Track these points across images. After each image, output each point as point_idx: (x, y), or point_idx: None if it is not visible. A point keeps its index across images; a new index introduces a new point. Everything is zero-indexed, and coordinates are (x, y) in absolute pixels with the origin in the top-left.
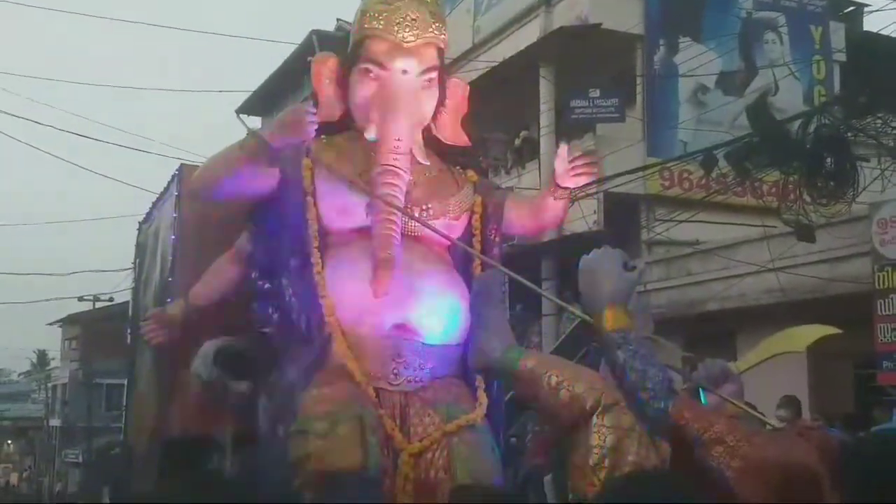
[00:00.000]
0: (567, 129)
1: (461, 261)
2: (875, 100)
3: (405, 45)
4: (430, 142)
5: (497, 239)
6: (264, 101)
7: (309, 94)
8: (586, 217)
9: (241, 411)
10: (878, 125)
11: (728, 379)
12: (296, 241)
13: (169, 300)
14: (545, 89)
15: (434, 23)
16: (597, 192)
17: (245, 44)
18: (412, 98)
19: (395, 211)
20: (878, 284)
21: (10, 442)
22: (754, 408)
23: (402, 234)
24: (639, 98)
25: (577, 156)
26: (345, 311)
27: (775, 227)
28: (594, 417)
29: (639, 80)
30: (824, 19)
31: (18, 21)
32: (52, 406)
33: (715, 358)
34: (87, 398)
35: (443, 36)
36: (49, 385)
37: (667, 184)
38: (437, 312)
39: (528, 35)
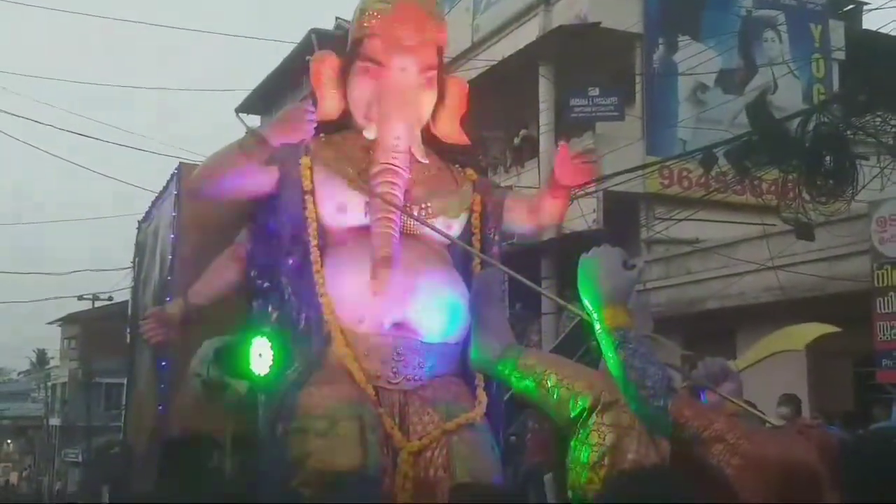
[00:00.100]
0: (566, 127)
1: (460, 259)
2: (874, 98)
3: (404, 43)
4: (430, 140)
5: (496, 237)
6: (264, 99)
7: (308, 92)
8: (586, 215)
9: (241, 410)
10: (878, 123)
11: (727, 377)
12: (295, 240)
13: (168, 299)
14: (544, 88)
15: (433, 21)
16: (596, 191)
17: (245, 43)
18: (411, 97)
19: (394, 209)
20: (878, 282)
21: (9, 441)
22: (754, 406)
23: (401, 232)
24: (638, 97)
25: (577, 154)
26: (344, 309)
27: (775, 225)
28: (594, 415)
29: (638, 79)
30: (824, 17)
31: (18, 21)
32: (51, 405)
33: (714, 356)
34: (86, 397)
35: (442, 35)
36: (48, 384)
37: (666, 182)
38: (436, 311)
39: (528, 34)
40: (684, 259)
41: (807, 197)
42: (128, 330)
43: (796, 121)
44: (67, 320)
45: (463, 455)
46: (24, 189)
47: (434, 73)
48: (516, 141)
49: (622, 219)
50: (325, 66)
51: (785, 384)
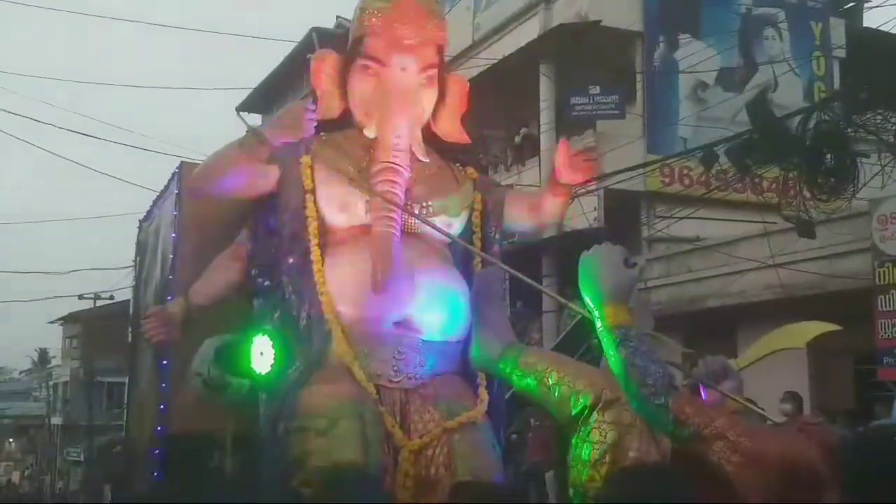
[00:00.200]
0: (567, 126)
1: (461, 258)
2: (875, 96)
3: (405, 42)
4: (430, 139)
5: (497, 236)
6: (264, 98)
7: (308, 91)
8: (587, 214)
9: (242, 409)
10: (878, 121)
11: (728, 375)
12: (295, 239)
13: (169, 298)
14: (545, 86)
15: (433, 20)
16: (597, 189)
17: (245, 41)
18: (412, 95)
19: (395, 208)
20: (879, 280)
21: (11, 440)
22: (754, 403)
23: (401, 231)
24: (639, 95)
25: (578, 152)
26: (345, 307)
27: (775, 223)
28: (595, 413)
29: (639, 77)
30: (824, 15)
31: (19, 21)
32: (53, 404)
33: (715, 354)
34: (88, 396)
35: (442, 33)
36: (50, 383)
37: (667, 180)
38: (437, 309)
39: (528, 32)
40: (685, 257)
41: (808, 195)
42: (129, 329)
43: (797, 119)
44: (69, 319)
45: (464, 453)
46: (25, 187)
47: (435, 71)
48: (517, 139)
49: (623, 217)
50: (326, 64)
51: (786, 382)
